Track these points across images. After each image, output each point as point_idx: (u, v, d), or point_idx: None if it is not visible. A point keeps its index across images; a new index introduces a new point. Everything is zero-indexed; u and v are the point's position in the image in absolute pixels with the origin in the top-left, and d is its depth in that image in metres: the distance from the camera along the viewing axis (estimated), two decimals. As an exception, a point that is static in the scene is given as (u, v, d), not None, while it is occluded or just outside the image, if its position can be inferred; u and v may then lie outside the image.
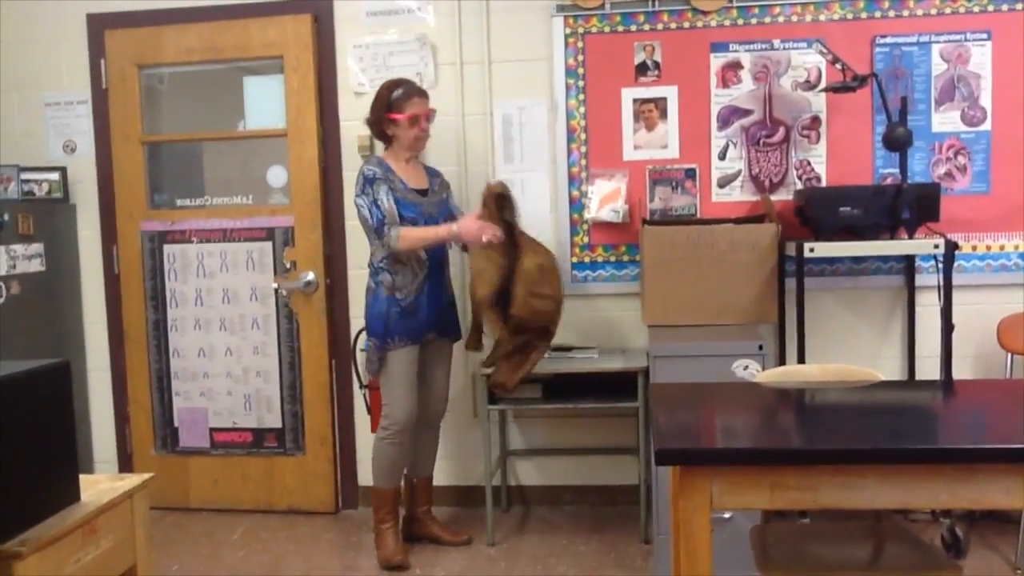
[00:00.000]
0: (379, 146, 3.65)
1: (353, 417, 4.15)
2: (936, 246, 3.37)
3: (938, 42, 3.75)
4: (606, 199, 3.89)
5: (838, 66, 3.59)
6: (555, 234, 3.98)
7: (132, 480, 2.05)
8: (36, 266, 4.02)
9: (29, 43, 4.25)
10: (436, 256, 3.49)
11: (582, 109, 3.92)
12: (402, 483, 3.61)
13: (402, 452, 3.50)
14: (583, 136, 3.93)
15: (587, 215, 3.93)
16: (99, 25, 4.19)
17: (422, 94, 3.48)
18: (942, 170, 3.79)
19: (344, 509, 4.18)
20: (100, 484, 2.02)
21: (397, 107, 3.42)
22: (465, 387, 4.07)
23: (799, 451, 1.88)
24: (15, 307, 3.88)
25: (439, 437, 3.75)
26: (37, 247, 4.03)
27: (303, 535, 3.90)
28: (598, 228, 3.95)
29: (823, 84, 3.79)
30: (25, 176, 4.10)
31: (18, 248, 3.92)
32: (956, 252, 3.55)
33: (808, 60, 3.81)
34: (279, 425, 4.18)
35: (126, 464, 4.32)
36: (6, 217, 3.85)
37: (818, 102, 3.82)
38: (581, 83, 3.91)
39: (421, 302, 3.45)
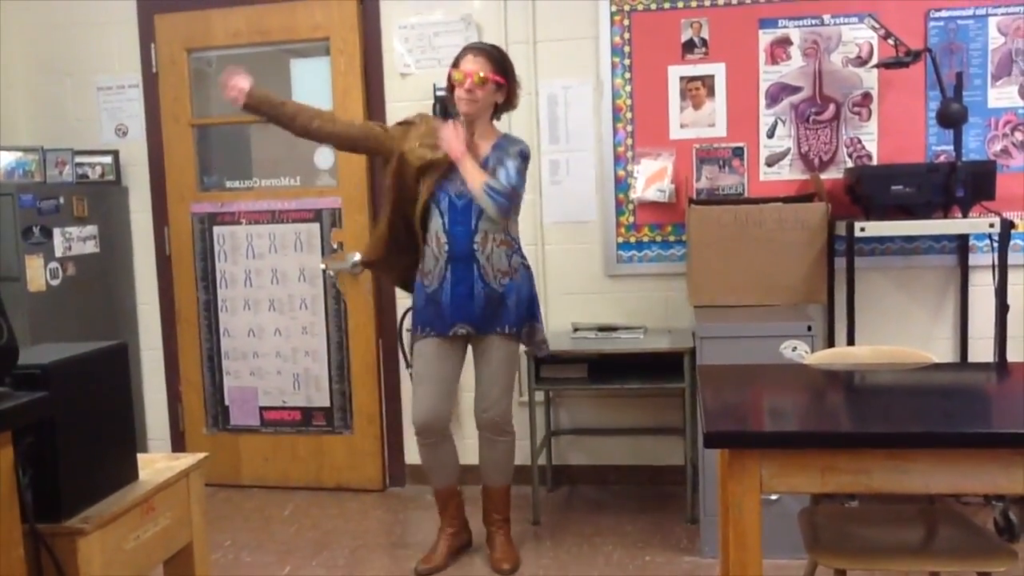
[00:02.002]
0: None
1: (400, 396, 4.19)
2: (991, 225, 3.31)
3: (995, 15, 3.66)
4: (652, 178, 3.86)
5: (890, 41, 3.51)
6: (600, 214, 3.96)
7: (188, 459, 2.10)
8: (91, 248, 4.11)
9: (81, 29, 4.32)
10: (459, 240, 3.12)
11: (628, 88, 3.89)
12: (456, 486, 3.37)
13: (432, 454, 3.27)
14: (629, 115, 3.90)
15: (633, 195, 3.90)
16: (149, 10, 4.24)
17: (479, 54, 3.10)
18: (998, 147, 3.70)
19: (391, 487, 4.24)
20: (157, 463, 2.07)
21: (455, 65, 3.14)
22: (511, 367, 4.08)
23: (851, 435, 1.86)
24: (71, 288, 3.97)
25: (502, 447, 3.29)
26: (91, 229, 4.11)
27: (351, 512, 3.96)
28: (644, 208, 3.92)
29: (875, 60, 3.71)
30: (79, 160, 4.18)
31: (73, 230, 4.00)
32: (1012, 231, 3.48)
33: (859, 35, 3.74)
34: (327, 404, 4.23)
35: (178, 442, 4.41)
36: (61, 200, 3.93)
37: (869, 78, 3.75)
38: (627, 61, 3.88)
39: (444, 290, 3.15)
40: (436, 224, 3.16)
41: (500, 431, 3.27)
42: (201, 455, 2.14)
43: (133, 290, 4.40)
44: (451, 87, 3.17)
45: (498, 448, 3.29)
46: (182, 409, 4.40)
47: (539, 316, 3.31)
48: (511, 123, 3.95)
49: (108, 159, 4.26)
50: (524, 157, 3.17)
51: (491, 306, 3.16)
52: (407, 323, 3.71)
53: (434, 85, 3.96)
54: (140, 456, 2.02)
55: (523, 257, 3.26)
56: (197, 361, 4.35)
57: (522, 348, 3.34)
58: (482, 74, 3.07)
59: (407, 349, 3.42)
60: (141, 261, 4.39)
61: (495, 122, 3.26)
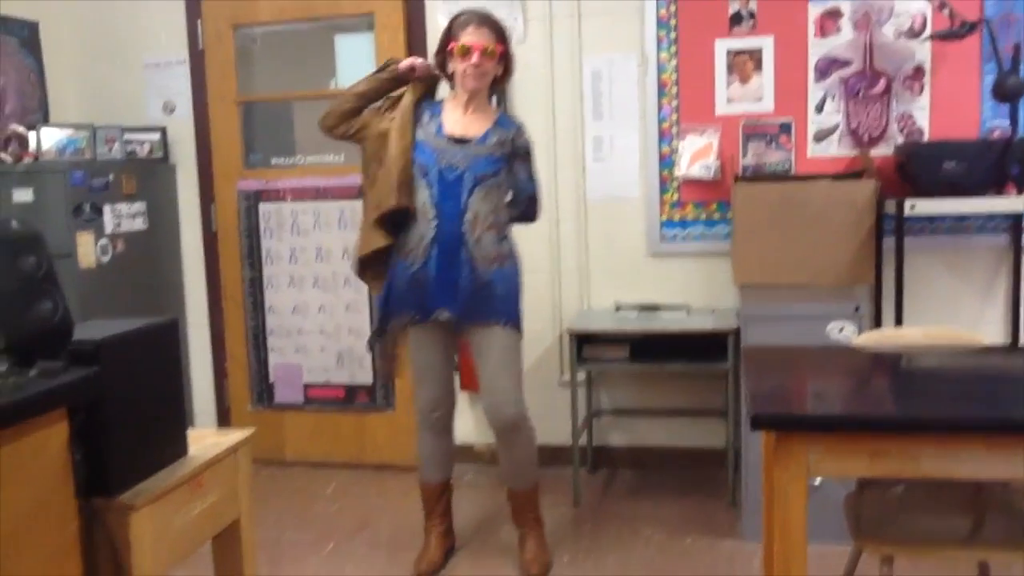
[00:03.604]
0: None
1: (442, 373, 4.20)
2: (1048, 204, 3.22)
3: (1056, -15, 3.54)
4: (697, 155, 3.81)
5: (945, 12, 3.42)
6: (644, 191, 3.93)
7: (236, 435, 2.12)
8: (139, 224, 4.17)
9: (129, 6, 4.35)
10: (448, 218, 2.90)
11: (673, 62, 3.83)
12: (447, 479, 3.21)
13: (431, 442, 3.13)
14: (674, 90, 3.85)
15: (677, 172, 3.86)
16: (194, -13, 4.27)
17: (483, 24, 2.91)
18: (1056, 123, 3.59)
19: (433, 463, 4.26)
20: (206, 439, 2.10)
21: (454, 35, 2.94)
22: (552, 346, 4.08)
23: (901, 419, 1.83)
24: (120, 264, 4.04)
25: (521, 446, 3.05)
26: (140, 206, 4.17)
27: (393, 490, 3.99)
28: (689, 185, 3.88)
29: (928, 32, 3.61)
30: (128, 137, 4.22)
31: (122, 207, 4.06)
32: (1069, 210, 3.38)
33: (912, 6, 3.64)
34: (370, 382, 4.27)
35: (224, 418, 4.48)
36: (111, 177, 3.99)
37: (922, 51, 3.65)
38: (673, 35, 3.82)
39: (428, 271, 2.91)
40: (423, 196, 2.92)
41: (516, 428, 3.01)
42: (249, 431, 2.17)
43: (180, 267, 4.45)
44: (443, 62, 3.00)
45: (517, 447, 3.05)
46: (227, 386, 4.46)
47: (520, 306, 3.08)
48: (555, 100, 3.93)
49: (156, 136, 4.31)
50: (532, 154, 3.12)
51: (478, 294, 2.92)
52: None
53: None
54: (189, 431, 2.05)
55: (511, 243, 3.04)
56: (242, 338, 4.40)
57: None
58: (490, 47, 2.91)
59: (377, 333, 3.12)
60: (188, 238, 4.44)
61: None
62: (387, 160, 2.94)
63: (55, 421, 1.61)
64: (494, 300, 2.95)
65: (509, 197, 3.10)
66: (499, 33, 2.95)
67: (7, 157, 3.85)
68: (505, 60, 3.01)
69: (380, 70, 3.02)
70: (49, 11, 4.32)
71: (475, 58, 2.89)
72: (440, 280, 2.91)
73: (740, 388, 3.27)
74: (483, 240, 2.93)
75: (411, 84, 3.02)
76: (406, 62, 3.02)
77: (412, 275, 2.94)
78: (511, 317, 2.99)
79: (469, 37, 2.90)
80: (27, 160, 3.85)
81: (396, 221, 2.97)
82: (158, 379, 1.93)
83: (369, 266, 3.06)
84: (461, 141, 2.95)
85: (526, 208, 3.16)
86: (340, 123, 3.00)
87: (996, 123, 3.61)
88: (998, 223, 3.68)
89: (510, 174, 3.04)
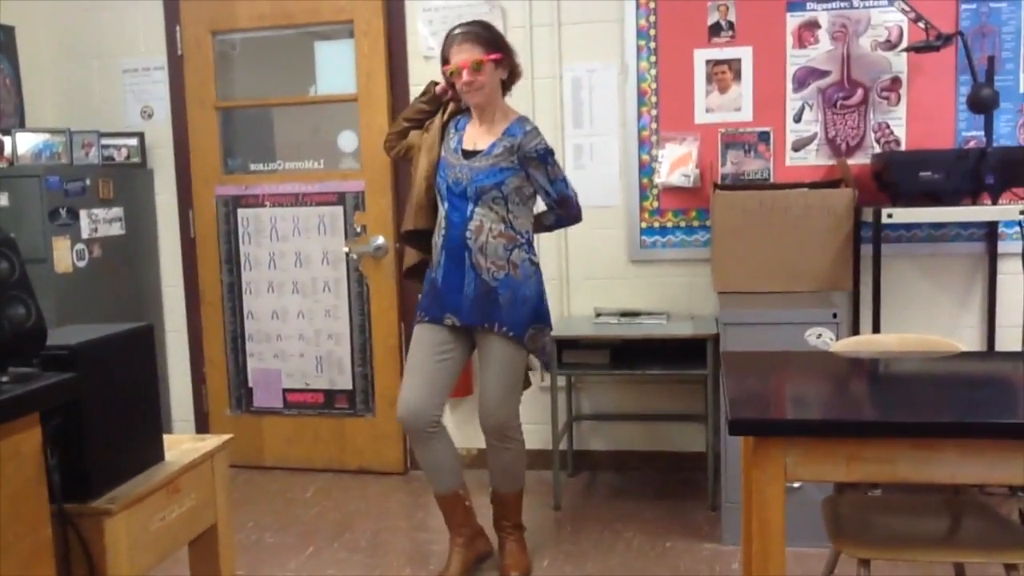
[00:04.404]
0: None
1: (422, 380, 4.19)
2: (1022, 212, 3.26)
3: (1029, -2, 3.59)
4: (677, 163, 3.83)
5: (921, 24, 3.46)
6: (624, 199, 3.94)
7: (213, 441, 2.11)
8: (116, 230, 4.14)
9: (107, 11, 4.33)
10: (455, 227, 2.96)
11: (653, 71, 3.86)
12: (458, 491, 3.09)
13: (423, 452, 3.03)
14: (654, 99, 3.87)
15: (657, 180, 3.88)
16: (174, -8, 4.25)
17: (466, 40, 2.91)
18: (1030, 133, 3.65)
19: (413, 470, 4.24)
20: (182, 444, 2.08)
21: (446, 58, 2.97)
22: (532, 352, 4.08)
23: (877, 423, 1.85)
24: (96, 269, 4.00)
25: (507, 455, 3.08)
26: (117, 211, 4.14)
27: (373, 494, 3.98)
28: (668, 193, 3.90)
29: (904, 43, 3.66)
30: (105, 142, 4.20)
31: (99, 212, 4.03)
32: (1043, 218, 3.42)
33: (889, 18, 3.68)
34: (350, 387, 4.25)
35: (202, 423, 4.45)
36: (88, 182, 3.96)
37: (898, 62, 3.69)
38: (652, 45, 3.85)
39: (439, 277, 3.00)
40: (441, 210, 3.03)
41: (502, 437, 3.05)
42: (226, 437, 2.15)
43: (158, 272, 4.42)
44: (450, 83, 3.03)
45: (503, 456, 3.08)
46: (206, 390, 4.44)
47: (545, 319, 3.07)
48: (535, 108, 3.94)
49: (134, 141, 4.29)
50: (551, 155, 3.00)
51: (481, 300, 2.95)
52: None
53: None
54: (166, 437, 2.03)
55: (530, 253, 3.01)
56: (221, 343, 4.38)
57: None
58: (477, 59, 2.89)
59: None
60: (166, 243, 4.41)
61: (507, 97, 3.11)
62: (414, 181, 3.12)
63: (28, 426, 1.59)
64: (497, 308, 2.96)
65: (540, 207, 3.10)
66: (485, 43, 2.93)
67: (-17, 161, 3.81)
68: (509, 63, 3.01)
69: (422, 95, 3.17)
70: (26, 16, 4.29)
71: (465, 76, 2.90)
72: (448, 286, 3.00)
73: (719, 393, 3.29)
74: (488, 248, 2.94)
75: (443, 105, 3.14)
76: (441, 85, 3.12)
77: (430, 281, 3.08)
78: (512, 326, 2.97)
79: (456, 57, 2.92)
80: (2, 164, 3.82)
81: (427, 237, 3.12)
82: (134, 385, 1.91)
83: (413, 275, 3.25)
84: (471, 154, 2.99)
85: (560, 213, 3.12)
86: (394, 145, 3.22)
87: (971, 133, 3.66)
88: (974, 231, 3.72)
89: (529, 181, 2.99)
